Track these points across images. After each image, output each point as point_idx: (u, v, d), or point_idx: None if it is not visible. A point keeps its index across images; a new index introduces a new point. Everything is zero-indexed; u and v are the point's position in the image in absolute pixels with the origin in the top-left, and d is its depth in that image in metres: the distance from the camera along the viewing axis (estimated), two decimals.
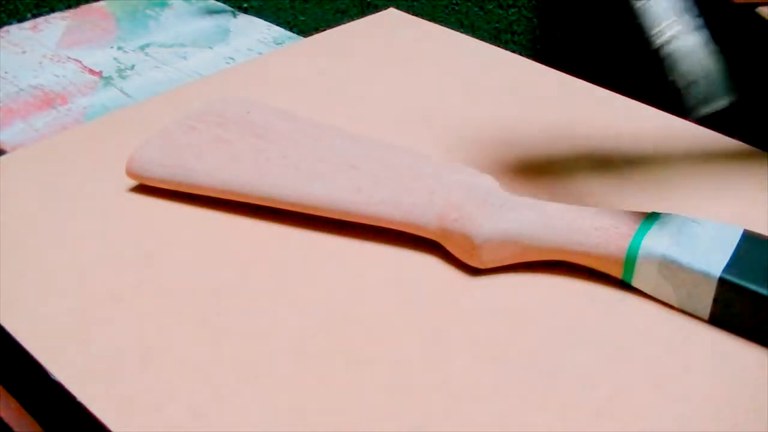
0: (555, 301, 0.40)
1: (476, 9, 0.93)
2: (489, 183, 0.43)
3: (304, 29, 1.01)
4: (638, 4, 0.36)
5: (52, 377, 0.36)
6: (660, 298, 0.39)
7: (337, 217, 0.43)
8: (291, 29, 0.75)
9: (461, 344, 0.37)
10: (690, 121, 0.53)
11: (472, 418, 0.34)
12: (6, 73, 0.64)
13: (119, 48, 0.68)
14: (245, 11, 0.79)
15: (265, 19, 0.75)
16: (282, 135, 0.47)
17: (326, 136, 0.47)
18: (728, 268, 0.37)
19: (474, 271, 0.41)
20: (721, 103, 0.36)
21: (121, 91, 0.62)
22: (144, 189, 0.47)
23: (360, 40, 0.64)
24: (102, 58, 0.67)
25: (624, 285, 0.40)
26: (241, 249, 0.43)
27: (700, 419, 0.34)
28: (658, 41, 0.36)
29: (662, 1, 0.36)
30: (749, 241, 0.38)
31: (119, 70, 0.65)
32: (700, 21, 0.37)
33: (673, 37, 0.36)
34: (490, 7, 0.92)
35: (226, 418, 0.34)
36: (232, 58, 0.66)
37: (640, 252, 0.38)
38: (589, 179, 0.48)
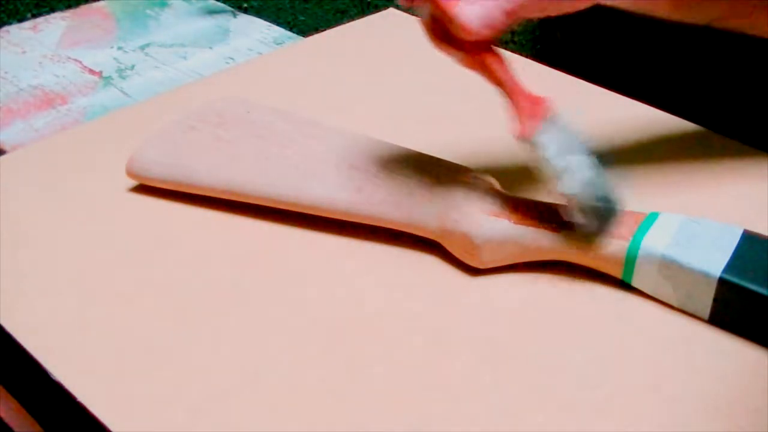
0: (555, 301, 0.40)
1: None
2: (489, 183, 0.43)
3: (304, 29, 1.01)
4: None
5: (52, 377, 0.36)
6: (660, 298, 0.39)
7: (337, 217, 0.43)
8: (291, 29, 0.75)
9: (461, 344, 0.37)
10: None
11: (472, 418, 0.34)
12: (6, 73, 0.64)
13: (119, 48, 0.68)
14: (245, 11, 0.79)
15: (265, 19, 0.74)
16: (282, 135, 0.47)
17: (326, 136, 0.47)
18: (728, 268, 0.37)
19: (474, 271, 0.41)
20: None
21: (121, 91, 0.62)
22: (144, 189, 0.47)
23: (360, 40, 0.64)
24: (102, 58, 0.67)
25: (624, 285, 0.40)
26: (241, 249, 0.43)
27: (700, 419, 0.34)
28: None
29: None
30: (749, 241, 0.38)
31: (119, 70, 0.65)
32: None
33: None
34: None
35: (226, 418, 0.34)
36: (232, 58, 0.66)
37: (640, 252, 0.38)
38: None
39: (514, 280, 0.41)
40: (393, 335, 0.38)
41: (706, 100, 0.73)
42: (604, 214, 0.39)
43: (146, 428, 0.34)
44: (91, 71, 0.65)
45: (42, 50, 0.68)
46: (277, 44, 0.68)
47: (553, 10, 0.40)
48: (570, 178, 0.39)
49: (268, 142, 0.47)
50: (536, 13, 0.40)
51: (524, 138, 0.39)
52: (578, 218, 0.39)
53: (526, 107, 0.39)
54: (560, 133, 0.39)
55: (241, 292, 0.40)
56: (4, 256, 0.43)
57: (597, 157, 0.40)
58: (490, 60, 0.40)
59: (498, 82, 0.40)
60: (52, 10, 0.82)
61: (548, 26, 0.96)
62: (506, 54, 0.61)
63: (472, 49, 0.39)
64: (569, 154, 0.39)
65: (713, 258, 0.37)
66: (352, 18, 0.67)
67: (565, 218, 0.39)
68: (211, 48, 0.68)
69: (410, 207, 0.42)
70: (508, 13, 0.38)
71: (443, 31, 0.40)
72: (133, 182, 0.47)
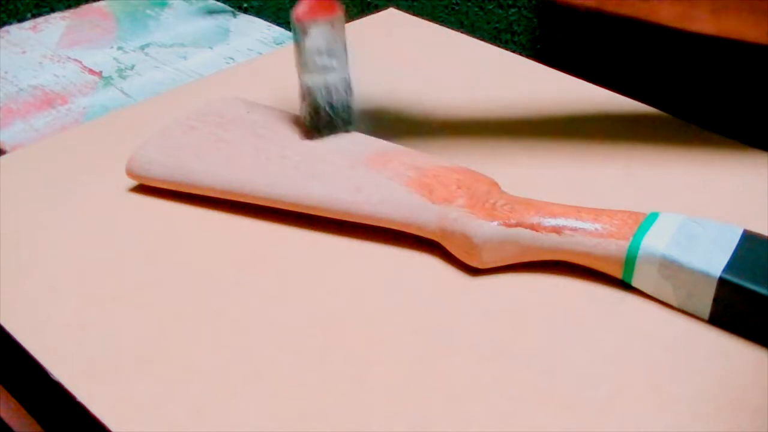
0: (555, 301, 0.40)
1: (476, 9, 0.93)
2: (489, 183, 0.43)
3: None
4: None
5: (52, 377, 0.36)
6: (660, 298, 0.39)
7: (337, 217, 0.43)
8: (291, 29, 0.75)
9: (461, 344, 0.37)
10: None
11: (472, 418, 0.34)
12: (6, 73, 0.64)
13: (119, 48, 0.68)
14: (245, 11, 0.79)
15: (265, 19, 0.74)
16: (282, 135, 0.47)
17: (326, 135, 0.47)
18: (728, 268, 0.37)
19: (474, 271, 0.41)
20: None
21: (121, 91, 0.62)
22: (144, 189, 0.47)
23: (360, 40, 0.64)
24: (102, 58, 0.67)
25: (624, 285, 0.40)
26: (241, 249, 0.43)
27: (700, 419, 0.34)
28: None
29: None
30: (749, 241, 0.38)
31: (119, 70, 0.65)
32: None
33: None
34: (490, 7, 0.92)
35: (226, 418, 0.34)
36: (232, 58, 0.66)
37: (640, 252, 0.38)
38: (589, 179, 0.48)
39: (514, 280, 0.41)
40: (393, 335, 0.38)
41: (706, 100, 0.73)
42: (325, 118, 0.45)
43: (146, 428, 0.34)
44: (91, 71, 0.65)
45: (42, 50, 0.68)
46: (277, 44, 0.68)
47: None
48: (317, 75, 0.44)
49: (268, 142, 0.47)
50: None
51: (297, 19, 0.43)
52: (305, 111, 0.45)
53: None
54: (332, 37, 0.44)
55: (241, 292, 0.40)
56: (4, 256, 0.43)
57: (350, 81, 0.45)
58: None
59: None
60: (52, 10, 0.82)
61: (548, 26, 0.96)
62: (506, 54, 0.61)
63: None
64: (329, 58, 0.44)
65: (713, 258, 0.37)
66: (352, 18, 0.67)
67: (300, 111, 0.43)
68: (211, 48, 0.68)
69: (410, 207, 0.42)
70: None
71: None
72: (133, 182, 0.47)
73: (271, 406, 0.35)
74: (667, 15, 0.42)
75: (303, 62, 0.44)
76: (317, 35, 0.43)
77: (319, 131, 0.45)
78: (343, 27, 0.45)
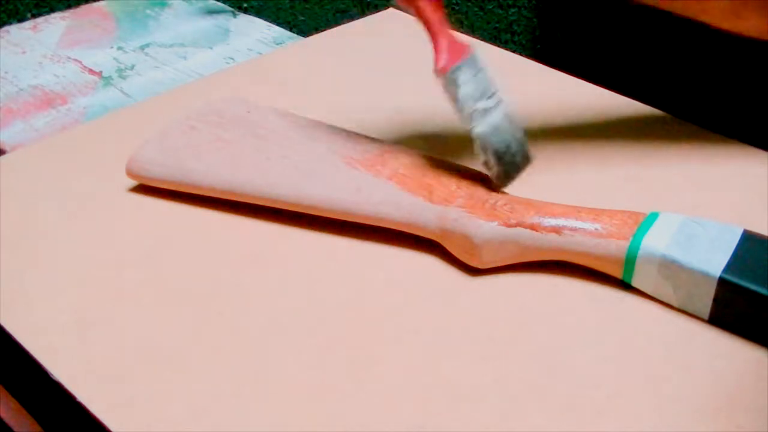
0: (555, 301, 0.40)
1: (476, 9, 0.93)
2: (489, 183, 0.43)
3: (304, 29, 1.01)
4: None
5: (52, 377, 0.36)
6: (660, 298, 0.39)
7: (337, 217, 0.43)
8: (291, 29, 0.75)
9: (461, 344, 0.37)
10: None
11: (473, 417, 0.34)
12: (6, 73, 0.64)
13: (119, 48, 0.68)
14: (245, 11, 0.79)
15: (265, 19, 0.74)
16: (282, 135, 0.47)
17: (326, 136, 0.47)
18: (728, 268, 0.37)
19: (474, 271, 0.41)
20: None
21: (121, 91, 0.62)
22: (144, 189, 0.47)
23: (360, 40, 0.64)
24: (102, 58, 0.67)
25: (624, 285, 0.40)
26: (242, 249, 0.43)
27: (700, 419, 0.34)
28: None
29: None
30: (749, 241, 0.38)
31: (119, 70, 0.65)
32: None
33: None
34: (490, 7, 0.92)
35: (226, 418, 0.34)
36: (232, 58, 0.66)
37: (640, 252, 0.38)
38: (590, 179, 0.48)
39: (514, 280, 0.41)
40: (393, 335, 0.38)
41: (706, 100, 0.73)
42: (508, 159, 0.42)
43: (146, 428, 0.34)
44: (91, 71, 0.65)
45: (42, 50, 0.68)
46: (277, 44, 0.68)
47: None
48: (480, 120, 0.42)
49: (268, 142, 0.47)
50: None
51: (440, 72, 0.42)
52: (484, 160, 0.42)
53: (446, 44, 0.42)
54: (478, 76, 0.42)
55: (241, 292, 0.40)
56: (4, 256, 0.43)
57: (513, 110, 0.43)
58: (420, 2, 0.42)
59: (424, 20, 0.43)
60: (52, 10, 0.82)
61: (548, 26, 0.96)
62: (506, 54, 0.61)
63: None
64: (483, 97, 0.42)
65: (713, 258, 0.37)
66: (352, 18, 0.67)
67: (480, 158, 0.41)
68: (211, 48, 0.68)
69: (410, 207, 0.42)
70: None
71: None
72: (133, 182, 0.47)
73: (271, 406, 0.35)
74: (716, 13, 0.42)
75: (466, 114, 0.42)
76: (465, 81, 0.42)
77: (508, 175, 0.43)
78: (482, 60, 0.43)
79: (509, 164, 0.42)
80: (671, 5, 0.43)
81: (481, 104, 0.42)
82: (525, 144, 0.43)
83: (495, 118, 0.42)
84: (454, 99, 0.42)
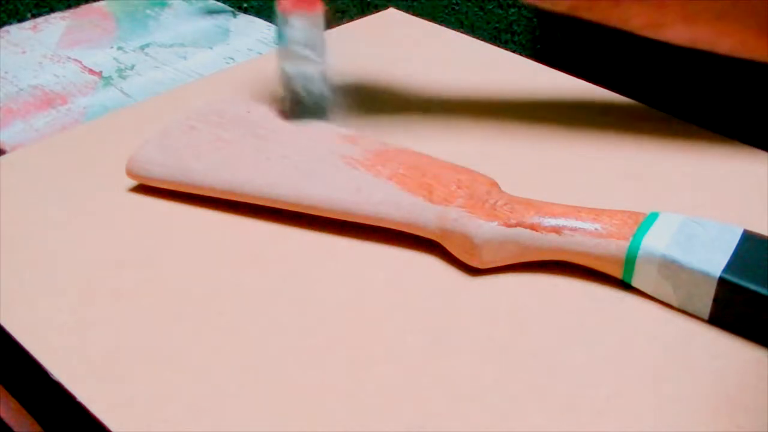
0: (555, 301, 0.40)
1: (476, 9, 0.93)
2: (489, 183, 0.43)
3: None
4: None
5: (52, 377, 0.36)
6: (660, 298, 0.39)
7: (337, 217, 0.43)
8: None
9: (461, 344, 0.37)
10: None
11: (473, 417, 0.34)
12: (6, 73, 0.64)
13: (119, 48, 0.68)
14: (245, 11, 0.79)
15: (265, 19, 0.74)
16: (282, 135, 0.47)
17: (326, 135, 0.47)
18: (728, 268, 0.37)
19: (474, 271, 0.41)
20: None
21: (121, 91, 0.62)
22: (144, 189, 0.47)
23: (360, 40, 0.64)
24: (102, 58, 0.67)
25: (624, 285, 0.40)
26: (242, 249, 0.43)
27: (700, 419, 0.34)
28: None
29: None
30: (749, 241, 0.38)
31: (119, 70, 0.65)
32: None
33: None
34: (490, 7, 0.92)
35: (226, 418, 0.34)
36: (232, 58, 0.66)
37: (640, 252, 0.38)
38: (590, 179, 0.48)
39: (514, 280, 0.41)
40: (393, 335, 0.38)
41: (706, 100, 0.73)
42: (307, 104, 0.48)
43: (146, 428, 0.34)
44: (91, 71, 0.65)
45: (42, 50, 0.68)
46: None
47: None
48: (296, 63, 0.47)
49: (268, 142, 0.47)
50: None
51: (282, 10, 0.47)
52: (285, 97, 0.48)
53: None
54: (313, 33, 0.47)
55: (241, 292, 0.40)
56: (4, 255, 0.43)
57: (327, 74, 0.48)
58: None
59: None
60: (52, 10, 0.82)
61: (548, 26, 0.96)
62: (506, 54, 0.61)
63: None
64: (310, 49, 0.47)
65: (713, 258, 0.37)
66: (352, 18, 0.67)
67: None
68: (211, 48, 0.68)
69: (410, 207, 0.42)
70: None
71: None
72: (133, 182, 0.47)
73: (271, 406, 0.35)
74: (638, 22, 0.42)
75: (284, 51, 0.48)
76: (298, 27, 0.47)
77: (296, 116, 0.48)
78: (323, 24, 0.48)
79: (301, 107, 0.48)
80: (589, 13, 0.43)
81: (303, 51, 0.47)
82: (325, 102, 0.48)
83: (310, 69, 0.48)
84: (285, 38, 0.47)
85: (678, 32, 0.42)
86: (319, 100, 0.48)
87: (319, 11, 0.48)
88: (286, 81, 0.48)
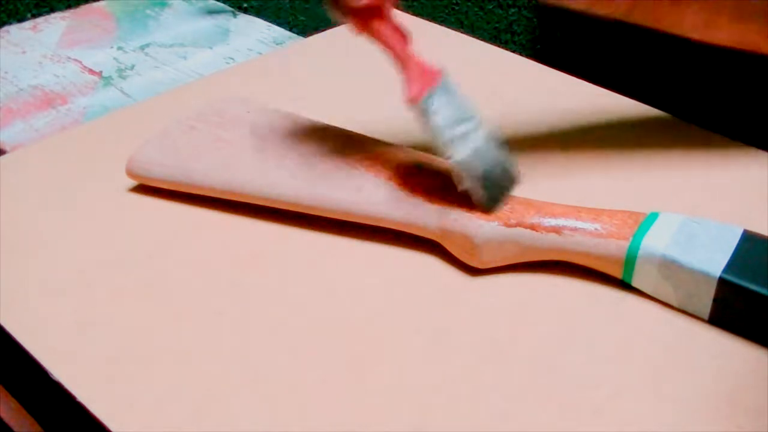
0: (555, 301, 0.40)
1: (476, 9, 0.93)
2: None
3: (304, 29, 1.01)
4: None
5: (52, 377, 0.36)
6: (660, 298, 0.39)
7: (337, 217, 0.43)
8: (291, 29, 0.75)
9: (461, 344, 0.37)
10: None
11: (472, 418, 0.34)
12: (6, 73, 0.64)
13: (119, 48, 0.68)
14: (245, 11, 0.79)
15: (265, 19, 0.74)
16: (282, 135, 0.47)
17: (326, 135, 0.47)
18: (728, 268, 0.37)
19: (474, 271, 0.41)
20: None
21: (121, 91, 0.62)
22: (144, 189, 0.47)
23: (360, 40, 0.64)
24: (102, 58, 0.67)
25: (624, 285, 0.40)
26: (241, 249, 0.43)
27: (700, 419, 0.34)
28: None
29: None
30: (749, 241, 0.38)
31: (119, 70, 0.65)
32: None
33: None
34: (490, 7, 0.92)
35: (226, 418, 0.34)
36: (232, 58, 0.66)
37: (640, 252, 0.38)
38: (590, 179, 0.48)
39: (514, 280, 0.41)
40: (393, 335, 0.38)
41: (706, 100, 0.73)
42: (493, 182, 0.40)
43: (146, 428, 0.34)
44: (91, 71, 0.65)
45: (42, 50, 0.68)
46: (277, 44, 0.68)
47: None
48: (459, 146, 0.39)
49: (267, 142, 0.47)
50: None
51: (412, 102, 0.40)
52: (468, 187, 0.40)
53: (416, 72, 0.40)
54: (452, 101, 0.40)
55: (241, 292, 0.40)
56: (4, 255, 0.43)
57: (494, 130, 0.41)
58: (379, 26, 0.41)
59: (388, 48, 0.41)
60: (52, 10, 0.82)
61: (548, 26, 0.96)
62: (506, 54, 0.61)
63: (361, 16, 0.41)
64: (460, 122, 0.40)
65: (713, 258, 0.37)
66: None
67: (458, 186, 0.40)
68: (211, 48, 0.68)
69: (410, 207, 0.42)
70: None
71: None
72: (133, 182, 0.47)
73: (271, 406, 0.35)
74: (692, 22, 0.42)
75: (442, 143, 0.40)
76: (439, 108, 0.40)
77: (493, 198, 0.40)
78: (455, 83, 0.41)
79: (494, 187, 0.40)
80: (644, 19, 0.43)
81: (459, 130, 0.40)
82: (510, 164, 0.41)
83: (474, 142, 0.40)
84: (429, 128, 0.40)
85: (730, 32, 0.42)
86: (504, 166, 0.41)
87: (445, 76, 0.41)
88: (466, 172, 0.40)
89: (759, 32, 0.41)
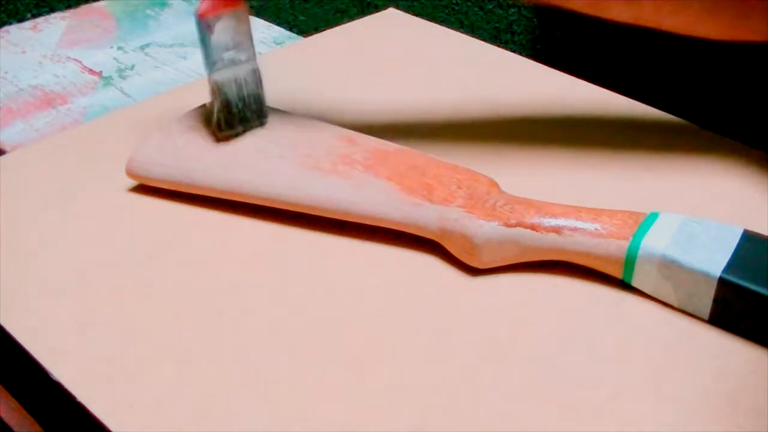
0: (555, 301, 0.40)
1: (476, 9, 0.93)
2: (489, 183, 0.43)
3: (304, 29, 1.01)
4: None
5: (52, 377, 0.36)
6: (660, 298, 0.39)
7: (337, 217, 0.43)
8: (291, 29, 0.75)
9: (461, 344, 0.37)
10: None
11: (472, 418, 0.34)
12: (6, 73, 0.64)
13: (119, 48, 0.68)
14: None
15: (265, 19, 0.74)
16: (281, 135, 0.47)
17: (326, 136, 0.47)
18: (728, 268, 0.37)
19: (474, 271, 0.41)
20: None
21: (121, 91, 0.62)
22: (144, 189, 0.47)
23: (360, 40, 0.64)
24: (102, 58, 0.67)
25: (624, 285, 0.40)
26: (241, 249, 0.43)
27: (700, 419, 0.34)
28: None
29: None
30: (749, 241, 0.38)
31: (119, 70, 0.65)
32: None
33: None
34: (490, 7, 0.92)
35: (226, 418, 0.34)
36: None
37: (640, 252, 0.38)
38: (590, 179, 0.48)
39: (514, 280, 0.41)
40: (393, 335, 0.38)
41: (705, 100, 0.73)
42: (236, 111, 0.44)
43: (146, 428, 0.34)
44: (91, 71, 0.65)
45: (42, 50, 0.68)
46: (277, 44, 0.68)
47: None
48: (222, 69, 0.43)
49: (268, 142, 0.47)
50: None
51: (202, 16, 0.42)
52: (216, 110, 0.43)
53: None
54: (237, 29, 0.43)
55: (241, 292, 0.40)
56: (4, 256, 0.43)
57: (259, 72, 0.44)
58: None
59: None
60: (52, 10, 0.82)
61: (548, 26, 0.96)
62: (506, 54, 0.61)
63: None
64: (234, 51, 0.43)
65: (713, 258, 0.37)
66: (352, 18, 0.67)
67: (208, 105, 0.42)
68: None
69: (410, 207, 0.42)
70: None
71: None
72: (133, 182, 0.47)
73: (271, 406, 0.35)
74: (581, 2, 0.42)
75: (211, 60, 0.44)
76: (222, 30, 0.43)
77: (232, 128, 0.45)
78: (248, 18, 0.44)
79: (235, 116, 0.44)
80: (637, 18, 0.43)
81: (228, 54, 0.43)
82: (261, 104, 0.45)
83: (239, 71, 0.43)
84: (206, 45, 0.43)
85: (620, 11, 0.42)
86: (255, 105, 0.45)
87: (243, 6, 0.44)
88: (217, 92, 0.44)
89: (652, 9, 0.41)
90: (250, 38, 0.44)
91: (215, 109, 0.43)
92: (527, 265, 0.41)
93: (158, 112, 0.54)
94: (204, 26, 0.43)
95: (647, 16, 0.42)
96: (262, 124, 0.45)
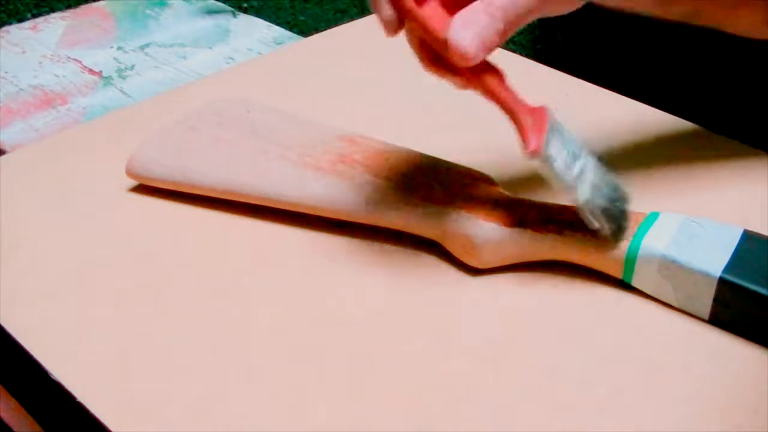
0: (555, 301, 0.40)
1: None
2: (489, 183, 0.43)
3: (304, 29, 1.01)
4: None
5: (52, 377, 0.36)
6: (660, 298, 0.39)
7: (337, 217, 0.43)
8: (291, 29, 0.75)
9: (461, 344, 0.37)
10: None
11: (472, 418, 0.34)
12: (6, 73, 0.64)
13: (119, 48, 0.68)
14: (245, 11, 0.79)
15: (265, 19, 0.74)
16: (282, 135, 0.47)
17: (326, 136, 0.47)
18: (728, 268, 0.37)
19: (474, 271, 0.41)
20: None
21: (121, 91, 0.62)
22: (144, 189, 0.47)
23: (360, 40, 0.64)
24: (102, 58, 0.67)
25: (624, 285, 0.40)
26: (241, 249, 0.43)
27: (700, 419, 0.34)
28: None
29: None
30: (749, 241, 0.38)
31: (119, 70, 0.65)
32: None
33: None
34: None
35: (226, 418, 0.34)
36: (232, 58, 0.66)
37: (640, 252, 0.38)
38: None
39: (514, 280, 0.41)
40: (393, 335, 0.38)
41: (705, 100, 0.73)
42: (618, 213, 0.39)
43: (146, 428, 0.34)
44: (91, 71, 0.65)
45: (42, 50, 0.68)
46: (277, 44, 0.68)
47: (539, 15, 0.40)
48: (581, 186, 0.38)
49: (268, 142, 0.47)
50: (524, 24, 0.40)
51: (534, 155, 0.37)
52: (596, 224, 0.38)
53: (529, 121, 0.38)
54: (561, 138, 0.38)
55: (241, 292, 0.40)
56: (4, 256, 0.43)
57: (597, 156, 0.40)
58: (488, 80, 0.39)
59: (499, 101, 0.39)
60: (52, 10, 0.82)
61: (548, 27, 0.96)
62: (506, 54, 0.61)
63: (469, 72, 0.39)
64: (575, 161, 0.38)
65: (713, 258, 0.37)
66: (352, 18, 0.67)
67: (589, 227, 0.38)
68: (211, 48, 0.68)
69: (410, 207, 0.42)
70: (502, 33, 0.37)
71: (436, 55, 0.39)
72: (133, 182, 0.47)
73: (271, 406, 0.35)
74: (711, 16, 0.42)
75: (568, 186, 0.38)
76: (557, 153, 0.38)
77: (621, 227, 0.39)
78: (560, 123, 0.39)
79: (618, 216, 0.39)
80: (698, 17, 0.42)
81: (576, 169, 0.38)
82: (620, 186, 0.40)
83: (590, 176, 0.39)
84: (553, 174, 0.38)
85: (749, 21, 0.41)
86: (620, 193, 0.39)
87: (549, 113, 0.39)
88: (594, 209, 0.38)
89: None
90: (571, 134, 0.39)
91: (604, 227, 0.38)
92: (527, 265, 0.41)
93: (158, 112, 0.54)
94: (543, 161, 0.37)
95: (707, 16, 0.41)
96: (629, 201, 0.39)
